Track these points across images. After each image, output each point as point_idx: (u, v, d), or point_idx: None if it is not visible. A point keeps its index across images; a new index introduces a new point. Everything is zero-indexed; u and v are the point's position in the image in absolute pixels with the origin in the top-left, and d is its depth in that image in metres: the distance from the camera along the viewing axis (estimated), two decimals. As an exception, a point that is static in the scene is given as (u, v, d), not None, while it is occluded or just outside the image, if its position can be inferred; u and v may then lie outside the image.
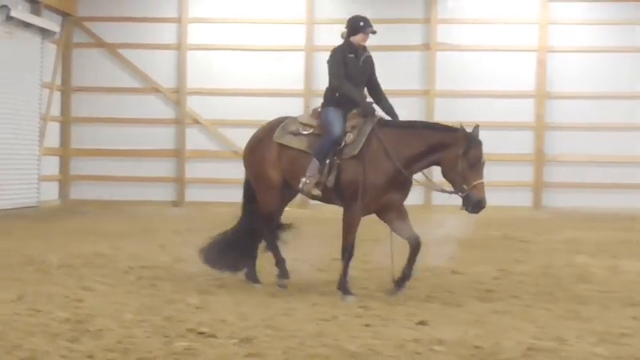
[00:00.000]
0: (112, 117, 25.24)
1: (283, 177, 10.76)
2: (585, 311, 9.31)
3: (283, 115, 11.29)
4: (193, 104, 25.27)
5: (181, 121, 25.30)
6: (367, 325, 8.45)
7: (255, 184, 11.07)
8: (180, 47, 25.25)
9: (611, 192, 24.23)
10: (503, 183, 22.45)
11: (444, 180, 10.30)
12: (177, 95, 25.31)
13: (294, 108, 20.09)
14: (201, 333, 7.86)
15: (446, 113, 23.04)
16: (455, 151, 9.89)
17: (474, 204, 9.87)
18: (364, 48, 10.68)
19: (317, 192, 10.38)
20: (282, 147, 10.75)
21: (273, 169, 10.81)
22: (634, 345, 7.67)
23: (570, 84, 24.41)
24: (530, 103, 24.68)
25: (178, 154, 25.28)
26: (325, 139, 10.40)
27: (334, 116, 10.48)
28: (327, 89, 10.79)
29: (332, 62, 10.64)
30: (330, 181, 10.24)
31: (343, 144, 10.28)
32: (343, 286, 10.16)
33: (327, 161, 10.28)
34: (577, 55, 24.61)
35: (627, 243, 16.16)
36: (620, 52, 24.48)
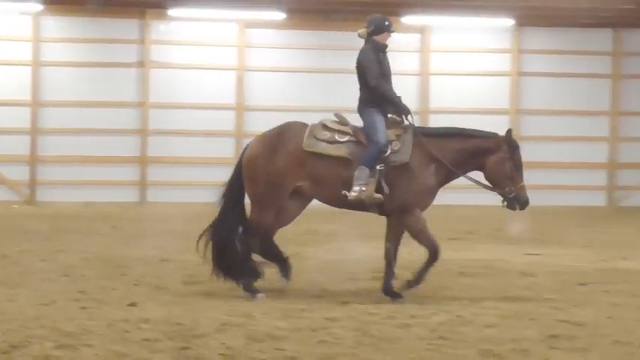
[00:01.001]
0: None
1: (300, 187, 9.51)
2: (272, 291, 9.47)
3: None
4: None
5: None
6: (83, 308, 8.33)
7: (262, 195, 9.46)
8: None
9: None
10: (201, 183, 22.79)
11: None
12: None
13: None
14: None
15: (160, 123, 23.42)
16: (502, 155, 9.49)
17: (522, 203, 9.49)
18: (385, 47, 9.79)
19: (379, 196, 9.25)
20: (313, 156, 9.40)
21: (295, 179, 9.44)
22: (312, 318, 7.91)
23: (267, 99, 24.93)
24: (231, 115, 25.03)
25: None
26: (373, 147, 9.29)
27: (377, 119, 9.47)
28: (364, 90, 9.67)
29: (367, 62, 9.57)
30: (386, 188, 9.25)
31: (389, 151, 9.32)
32: (414, 283, 9.37)
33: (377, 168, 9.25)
34: (272, 74, 25.20)
35: (311, 233, 16.59)
36: (313, 72, 25.25)
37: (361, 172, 9.22)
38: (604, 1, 22.00)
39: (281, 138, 9.55)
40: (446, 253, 13.40)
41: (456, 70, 25.58)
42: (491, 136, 9.71)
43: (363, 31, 9.75)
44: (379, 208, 9.41)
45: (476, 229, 17.82)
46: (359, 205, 9.37)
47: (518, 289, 9.48)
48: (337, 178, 9.36)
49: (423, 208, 9.53)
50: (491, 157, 9.50)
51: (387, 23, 9.73)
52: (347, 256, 12.86)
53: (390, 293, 9.26)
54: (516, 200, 9.47)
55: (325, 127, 9.55)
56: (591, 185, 25.63)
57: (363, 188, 9.18)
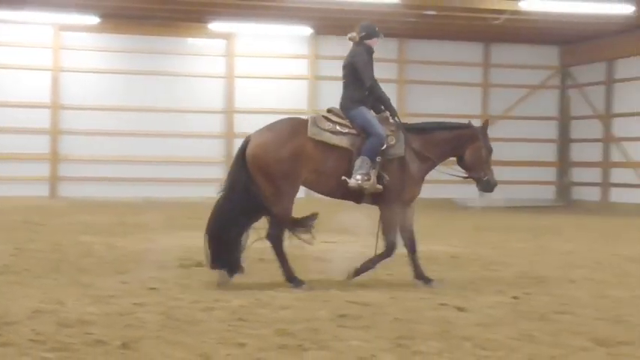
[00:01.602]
0: None
1: (307, 178, 9.11)
2: (85, 279, 9.23)
3: None
4: None
5: None
6: None
7: (278, 184, 8.97)
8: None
9: (118, 185, 24.46)
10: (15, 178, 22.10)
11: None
12: None
13: None
14: None
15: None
16: (479, 143, 9.58)
17: (493, 185, 9.68)
18: (373, 51, 9.57)
19: (380, 187, 9.09)
20: (318, 144, 9.12)
21: (305, 167, 9.04)
22: (120, 304, 7.75)
23: (80, 98, 24.38)
24: (46, 113, 24.34)
25: None
26: (375, 139, 9.12)
27: (371, 116, 9.33)
28: (356, 89, 9.37)
29: (363, 63, 9.37)
30: (387, 179, 9.12)
31: (385, 145, 9.20)
32: (359, 272, 9.29)
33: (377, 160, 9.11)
34: (87, 75, 24.65)
35: (122, 225, 16.34)
36: (127, 74, 24.86)
37: (363, 162, 9.08)
38: (392, 14, 22.59)
39: (289, 128, 9.20)
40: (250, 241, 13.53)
41: (259, 74, 25.77)
42: (468, 126, 9.85)
43: (354, 35, 9.60)
44: (372, 198, 9.26)
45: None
46: (355, 193, 9.20)
47: (313, 274, 9.60)
48: (339, 167, 9.14)
49: (413, 199, 9.53)
50: (470, 145, 9.63)
51: (377, 29, 9.68)
52: (155, 246, 12.74)
53: (423, 278, 9.26)
54: (489, 183, 9.69)
55: (326, 118, 9.34)
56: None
57: (366, 178, 9.04)
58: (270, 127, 9.25)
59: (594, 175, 26.67)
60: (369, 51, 9.54)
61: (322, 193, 9.52)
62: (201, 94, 25.50)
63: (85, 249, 12.18)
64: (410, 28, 24.88)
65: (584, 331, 6.75)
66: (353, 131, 9.26)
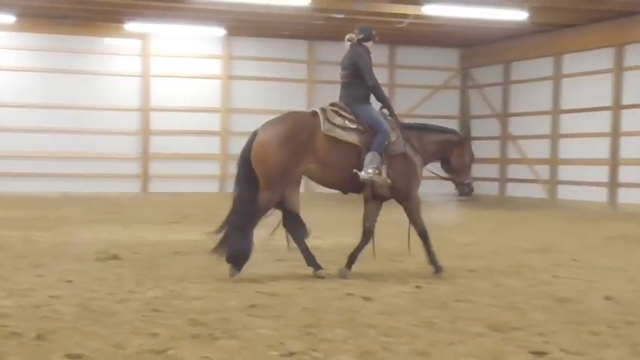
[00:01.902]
0: None
1: (308, 170, 9.06)
2: (1, 273, 9.00)
3: None
4: None
5: None
6: None
7: (274, 178, 8.85)
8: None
9: (37, 180, 23.97)
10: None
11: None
12: None
13: None
14: None
15: None
16: (464, 149, 9.81)
17: (471, 190, 9.99)
18: (370, 52, 9.63)
19: (389, 181, 9.21)
20: (330, 139, 9.07)
21: (310, 162, 9.00)
22: (36, 296, 7.61)
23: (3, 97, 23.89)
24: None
25: None
26: (382, 136, 9.16)
27: (377, 114, 9.36)
28: (360, 87, 9.38)
29: (366, 63, 9.41)
30: (392, 174, 9.25)
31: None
32: (435, 264, 9.51)
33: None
34: (4, 73, 24.12)
35: (40, 219, 16.02)
36: (44, 72, 24.34)
37: (374, 157, 9.11)
38: (301, 17, 22.63)
39: (294, 124, 9.08)
40: (166, 235, 13.42)
41: (174, 73, 25.55)
42: (455, 132, 10.08)
43: (352, 36, 9.66)
44: (373, 191, 9.31)
45: (193, 213, 17.87)
46: (358, 185, 9.22)
47: (225, 266, 9.56)
48: (348, 162, 9.13)
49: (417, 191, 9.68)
50: (456, 149, 9.83)
51: (374, 32, 9.76)
52: (73, 240, 12.53)
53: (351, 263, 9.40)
54: (469, 187, 9.98)
55: (337, 113, 9.26)
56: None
57: (377, 172, 9.11)
58: (276, 122, 9.15)
59: (493, 170, 27.19)
60: (368, 52, 9.62)
61: (326, 186, 9.51)
62: (117, 92, 25.16)
63: (1, 243, 11.88)
64: (319, 31, 24.97)
65: (480, 318, 6.89)
66: (360, 127, 9.25)
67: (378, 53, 27.00)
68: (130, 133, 25.17)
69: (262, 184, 8.93)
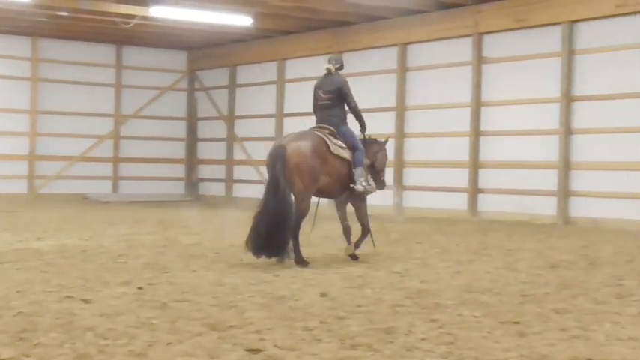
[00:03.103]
0: None
1: (322, 180, 10.74)
2: None
3: None
4: None
5: None
6: None
7: (306, 188, 10.54)
8: None
9: None
10: None
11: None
12: None
13: None
14: None
15: None
16: (383, 152, 11.84)
17: (384, 185, 11.93)
18: None
19: (375, 189, 11.42)
20: (335, 157, 10.77)
21: (324, 174, 10.69)
22: None
23: None
24: None
25: None
26: (361, 152, 11.02)
27: (354, 133, 11.18)
28: (341, 108, 11.08)
29: (349, 89, 11.01)
30: (373, 182, 11.48)
31: None
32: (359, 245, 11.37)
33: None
34: None
35: None
36: None
37: (361, 172, 10.93)
38: (24, 13, 21.68)
39: (313, 142, 10.59)
40: None
41: None
42: (378, 142, 11.84)
43: (330, 67, 11.17)
44: (348, 196, 11.20)
45: None
46: (343, 192, 11.10)
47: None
48: (344, 174, 10.90)
49: None
50: (379, 154, 11.74)
51: (343, 61, 11.58)
52: None
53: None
54: (384, 182, 11.87)
55: (333, 135, 10.89)
56: (15, 175, 25.44)
57: (369, 184, 11.14)
58: (301, 137, 10.67)
59: (219, 172, 27.50)
60: (346, 79, 11.21)
61: (323, 193, 11.03)
62: None
63: None
64: (43, 28, 24.05)
65: (199, 317, 6.92)
66: (346, 145, 10.95)
67: (105, 53, 26.89)
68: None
69: (300, 189, 10.49)
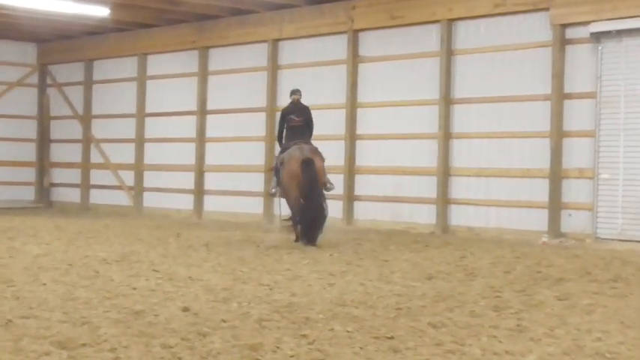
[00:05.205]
0: None
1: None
2: None
3: None
4: None
5: None
6: None
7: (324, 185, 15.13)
8: None
9: None
10: None
11: None
12: None
13: None
14: None
15: None
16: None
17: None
18: None
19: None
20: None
21: None
22: None
23: None
24: None
25: None
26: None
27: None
28: (310, 130, 15.77)
29: (311, 115, 15.67)
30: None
31: None
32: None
33: None
34: None
35: None
36: None
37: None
38: None
39: (320, 153, 15.23)
40: None
41: None
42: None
43: (298, 97, 15.64)
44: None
45: None
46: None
47: None
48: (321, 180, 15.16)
49: None
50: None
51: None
52: None
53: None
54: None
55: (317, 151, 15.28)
56: None
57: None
58: (317, 152, 15.16)
59: (74, 176, 26.92)
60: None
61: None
62: None
63: None
64: None
65: (48, 335, 6.76)
66: None
67: None
68: None
69: (320, 191, 14.74)
